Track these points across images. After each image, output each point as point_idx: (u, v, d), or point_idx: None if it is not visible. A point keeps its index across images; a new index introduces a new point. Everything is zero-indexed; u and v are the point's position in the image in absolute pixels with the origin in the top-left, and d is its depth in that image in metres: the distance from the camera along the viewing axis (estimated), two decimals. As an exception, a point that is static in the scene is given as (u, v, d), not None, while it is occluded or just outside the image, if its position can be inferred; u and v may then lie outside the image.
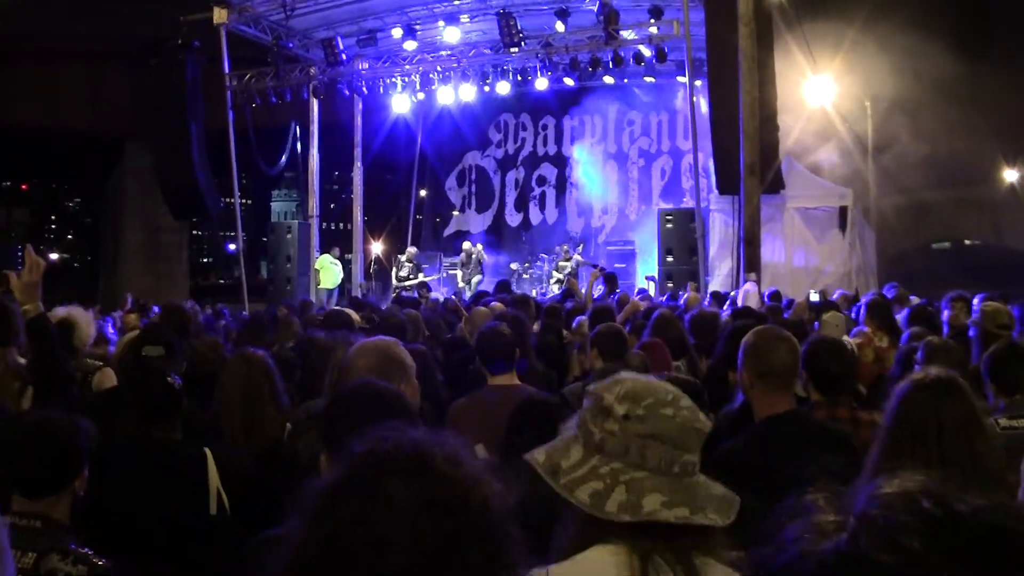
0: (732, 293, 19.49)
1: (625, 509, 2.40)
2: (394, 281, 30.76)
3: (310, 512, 1.90)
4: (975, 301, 10.25)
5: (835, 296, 17.28)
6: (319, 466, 3.51)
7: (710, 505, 2.46)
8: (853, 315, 12.58)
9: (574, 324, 11.48)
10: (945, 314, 11.13)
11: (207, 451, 5.27)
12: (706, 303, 16.83)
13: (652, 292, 24.63)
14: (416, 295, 24.28)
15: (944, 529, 1.39)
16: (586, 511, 2.44)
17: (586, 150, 35.07)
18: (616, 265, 29.98)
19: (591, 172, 35.01)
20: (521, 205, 36.79)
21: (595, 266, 25.79)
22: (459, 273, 31.56)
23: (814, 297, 15.26)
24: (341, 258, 32.33)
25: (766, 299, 16.95)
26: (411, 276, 30.45)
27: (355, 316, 10.73)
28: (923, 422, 3.87)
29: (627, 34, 26.15)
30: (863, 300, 12.53)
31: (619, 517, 2.40)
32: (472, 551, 1.86)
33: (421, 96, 31.72)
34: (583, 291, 16.43)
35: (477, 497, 1.91)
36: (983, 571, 1.36)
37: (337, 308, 12.23)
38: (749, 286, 19.12)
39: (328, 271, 30.79)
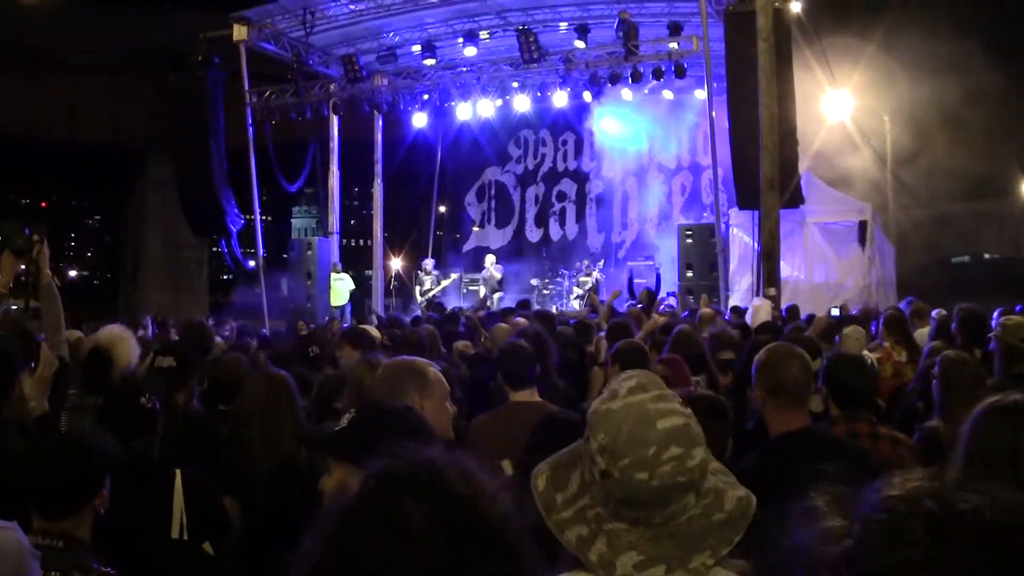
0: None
1: (602, 564, 2.42)
2: (418, 296, 30.81)
3: (326, 532, 1.91)
4: (994, 315, 10.21)
5: (854, 311, 17.25)
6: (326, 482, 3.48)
7: (703, 543, 2.44)
8: (872, 329, 12.55)
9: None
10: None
11: (177, 472, 5.25)
12: (726, 317, 16.80)
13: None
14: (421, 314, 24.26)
15: (947, 528, 1.39)
16: (573, 553, 2.47)
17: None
18: (636, 280, 30.00)
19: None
20: (541, 221, 36.81)
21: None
22: (481, 290, 31.57)
23: (835, 312, 15.20)
24: (357, 274, 32.33)
25: (783, 314, 16.90)
26: (432, 287, 30.54)
27: (376, 333, 10.74)
28: (997, 446, 3.82)
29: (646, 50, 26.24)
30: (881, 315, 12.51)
31: (597, 571, 2.42)
32: (488, 570, 1.87)
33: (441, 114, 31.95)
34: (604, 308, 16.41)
35: (492, 516, 1.91)
36: (987, 568, 1.35)
37: (360, 327, 12.18)
38: (756, 300, 19.01)
39: (335, 289, 30.87)
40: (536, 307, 22.43)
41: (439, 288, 30.76)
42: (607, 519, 2.47)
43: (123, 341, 7.82)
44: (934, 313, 13.88)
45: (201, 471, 5.51)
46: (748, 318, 15.23)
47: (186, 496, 5.15)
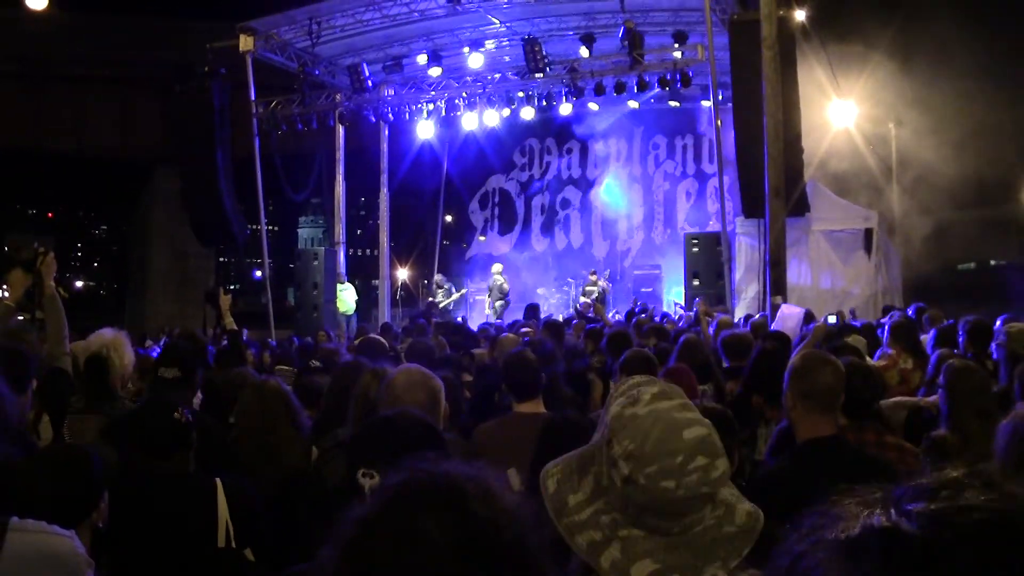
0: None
1: (615, 570, 2.38)
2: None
3: (342, 545, 1.90)
4: (998, 321, 10.20)
5: (851, 322, 17.12)
6: (358, 490, 3.48)
7: (715, 553, 2.42)
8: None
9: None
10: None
11: (218, 482, 5.18)
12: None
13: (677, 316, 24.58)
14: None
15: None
16: (583, 558, 2.45)
17: (611, 173, 35.10)
18: (643, 289, 30.01)
19: (615, 192, 35.04)
20: (547, 229, 36.83)
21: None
22: (486, 300, 31.60)
23: (831, 319, 15.05)
24: (365, 283, 32.38)
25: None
26: (444, 300, 30.73)
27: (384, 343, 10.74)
28: None
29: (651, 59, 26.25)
30: (887, 322, 12.44)
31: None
32: None
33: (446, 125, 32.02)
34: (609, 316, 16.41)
35: (510, 532, 1.90)
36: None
37: (372, 336, 12.19)
38: (786, 308, 18.59)
39: (340, 299, 30.93)
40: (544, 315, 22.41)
41: (450, 300, 30.92)
42: (623, 525, 2.43)
43: (118, 346, 7.66)
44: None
45: (241, 479, 5.49)
46: (778, 325, 15.02)
47: (230, 505, 5.11)
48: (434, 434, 3.74)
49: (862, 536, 1.19)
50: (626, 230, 35.43)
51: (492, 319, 27.29)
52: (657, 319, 20.09)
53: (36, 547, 3.74)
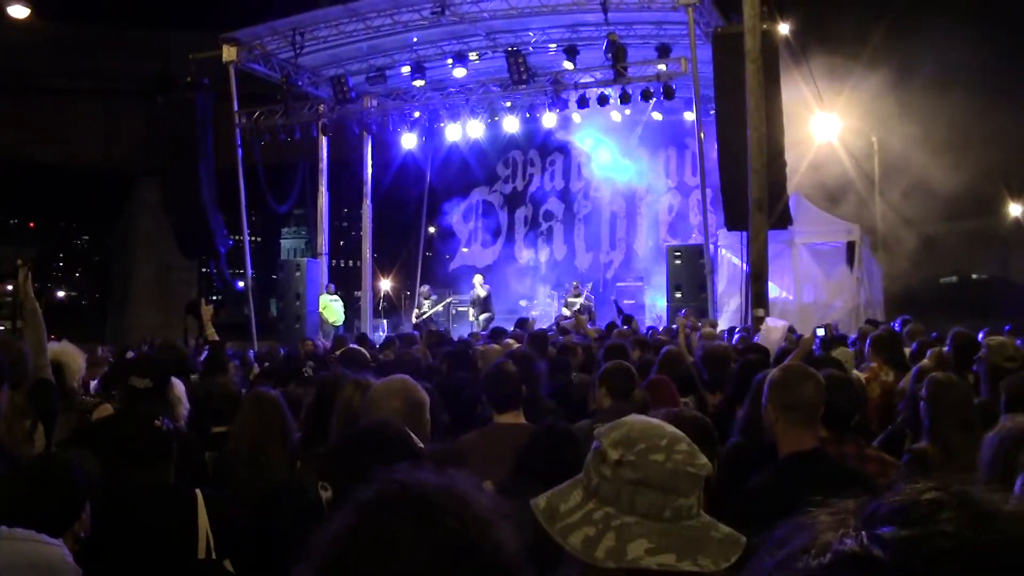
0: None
1: (611, 556, 2.39)
2: (414, 319, 30.86)
3: (319, 558, 1.89)
4: (979, 336, 10.22)
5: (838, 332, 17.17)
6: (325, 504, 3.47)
7: (705, 549, 2.43)
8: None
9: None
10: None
11: (198, 493, 5.16)
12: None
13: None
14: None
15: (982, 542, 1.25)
16: (578, 557, 2.46)
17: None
18: (626, 301, 29.99)
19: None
20: (530, 241, 36.83)
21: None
22: (470, 311, 31.56)
23: (820, 332, 15.09)
24: (347, 294, 32.30)
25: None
26: (429, 311, 30.68)
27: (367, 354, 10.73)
28: (1012, 469, 3.79)
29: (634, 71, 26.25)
30: (855, 337, 12.52)
31: (604, 564, 2.39)
32: None
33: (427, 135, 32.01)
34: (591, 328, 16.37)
35: (486, 540, 1.89)
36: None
37: (353, 347, 12.19)
38: (770, 321, 18.55)
39: (330, 309, 30.83)
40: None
41: (433, 311, 30.87)
42: (616, 516, 2.46)
43: (69, 355, 7.88)
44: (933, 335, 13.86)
45: (221, 491, 5.47)
46: (757, 339, 14.99)
47: (210, 516, 5.09)
48: (410, 445, 3.73)
49: (832, 564, 1.19)
50: (608, 242, 35.43)
51: (477, 329, 27.30)
52: (643, 330, 20.13)
53: (27, 556, 3.74)
